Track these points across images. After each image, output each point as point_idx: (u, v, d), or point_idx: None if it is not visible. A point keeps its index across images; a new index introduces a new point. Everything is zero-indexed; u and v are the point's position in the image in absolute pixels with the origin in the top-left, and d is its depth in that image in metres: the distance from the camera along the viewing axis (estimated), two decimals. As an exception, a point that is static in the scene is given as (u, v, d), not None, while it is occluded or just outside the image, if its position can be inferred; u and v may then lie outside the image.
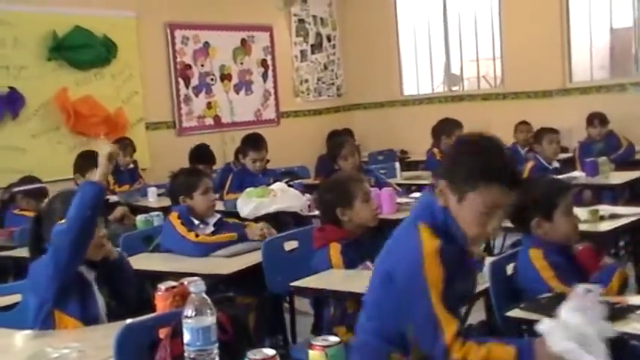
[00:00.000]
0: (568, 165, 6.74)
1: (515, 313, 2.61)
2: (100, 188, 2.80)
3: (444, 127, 7.32)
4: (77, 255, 2.78)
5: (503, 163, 2.26)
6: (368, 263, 3.39)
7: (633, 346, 2.70)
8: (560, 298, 2.62)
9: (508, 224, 3.32)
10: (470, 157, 2.25)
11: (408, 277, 2.20)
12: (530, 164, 6.22)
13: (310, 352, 1.83)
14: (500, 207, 2.22)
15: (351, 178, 3.73)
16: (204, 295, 1.90)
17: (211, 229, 4.18)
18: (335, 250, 3.43)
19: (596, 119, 7.48)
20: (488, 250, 4.25)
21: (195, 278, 2.10)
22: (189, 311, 1.87)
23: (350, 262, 3.39)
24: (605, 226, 4.07)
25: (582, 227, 3.89)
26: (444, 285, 2.16)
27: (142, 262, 3.88)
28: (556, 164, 6.31)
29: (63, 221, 2.76)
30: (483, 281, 2.94)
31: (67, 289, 2.80)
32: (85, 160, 5.67)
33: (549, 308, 2.53)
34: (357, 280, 3.22)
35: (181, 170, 4.52)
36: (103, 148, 2.92)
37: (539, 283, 2.88)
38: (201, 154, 7.41)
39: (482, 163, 2.22)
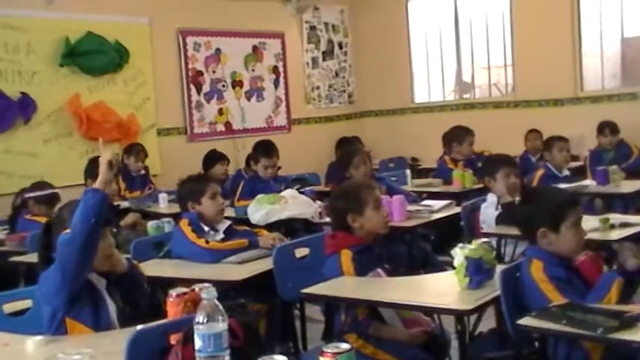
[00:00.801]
0: (579, 174, 6.71)
1: (526, 321, 2.59)
2: (101, 196, 2.75)
3: (456, 135, 7.32)
4: (84, 264, 2.76)
5: None
6: (379, 270, 3.40)
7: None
8: (571, 306, 2.63)
9: (519, 232, 3.33)
10: None
11: None
12: (539, 172, 6.20)
13: (321, 359, 1.83)
14: None
15: (363, 185, 3.73)
16: (216, 302, 1.91)
17: (221, 235, 4.18)
18: (346, 257, 3.43)
19: (607, 128, 7.45)
20: (499, 258, 4.23)
21: (207, 285, 2.11)
22: (200, 317, 1.88)
23: (361, 269, 3.39)
24: (616, 234, 4.05)
25: (593, 236, 3.90)
26: None
27: (152, 268, 3.89)
28: (566, 172, 6.28)
29: (67, 231, 2.74)
30: (495, 289, 2.94)
31: (78, 297, 2.79)
32: (95, 166, 5.67)
33: (561, 317, 2.54)
34: (368, 288, 3.23)
35: (188, 177, 4.53)
36: (104, 154, 2.88)
37: (538, 295, 2.88)
38: (213, 156, 7.54)
39: None
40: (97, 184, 2.81)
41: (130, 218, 5.82)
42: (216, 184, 4.36)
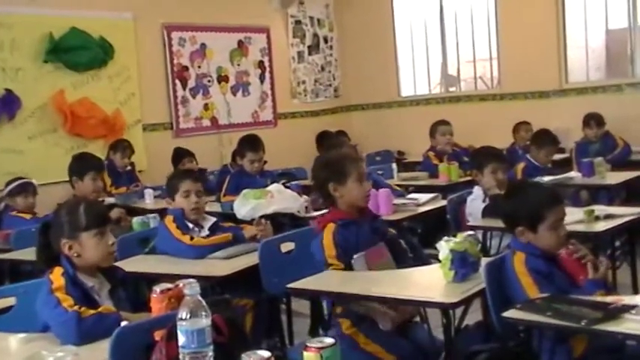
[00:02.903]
0: (563, 165, 6.73)
1: (511, 313, 2.60)
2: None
3: (431, 129, 7.45)
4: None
5: None
6: (382, 245, 3.42)
7: (631, 346, 2.72)
8: (556, 298, 2.64)
9: (504, 225, 3.34)
10: None
11: None
12: (521, 165, 6.21)
13: (305, 353, 1.83)
14: None
15: (347, 157, 3.72)
16: (199, 297, 1.90)
17: (206, 232, 4.17)
18: (328, 231, 3.43)
19: (593, 120, 7.47)
20: (485, 251, 4.24)
21: (190, 280, 2.10)
22: (183, 314, 1.87)
23: (345, 243, 3.39)
24: (601, 226, 4.08)
25: (578, 228, 3.95)
26: None
27: (138, 264, 3.89)
28: (548, 165, 6.31)
29: (69, 308, 2.66)
30: (480, 282, 2.95)
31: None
32: (80, 163, 5.67)
33: (546, 308, 2.55)
34: (353, 282, 3.23)
35: (173, 172, 4.52)
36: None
37: (518, 288, 2.89)
38: (180, 153, 7.61)
39: None
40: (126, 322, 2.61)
41: (115, 214, 5.78)
42: (191, 182, 4.27)
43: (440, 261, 3.06)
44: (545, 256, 2.97)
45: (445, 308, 2.88)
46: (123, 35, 8.01)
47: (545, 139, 6.42)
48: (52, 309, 2.67)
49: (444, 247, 3.01)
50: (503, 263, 3.02)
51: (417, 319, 3.46)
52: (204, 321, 1.86)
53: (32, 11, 7.27)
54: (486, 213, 4.55)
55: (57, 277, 2.78)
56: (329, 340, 1.85)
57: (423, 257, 3.79)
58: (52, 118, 7.47)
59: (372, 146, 9.50)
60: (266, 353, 1.79)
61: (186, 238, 4.02)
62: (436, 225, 5.32)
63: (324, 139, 8.69)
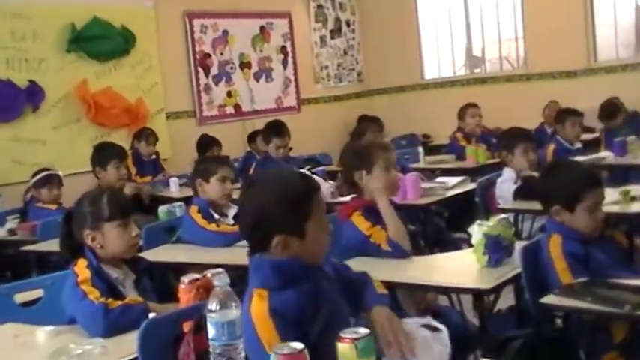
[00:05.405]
0: (591, 146, 6.58)
1: (549, 299, 2.52)
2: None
3: (459, 112, 7.33)
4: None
5: None
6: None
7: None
8: (595, 283, 2.55)
9: (537, 207, 3.25)
10: None
11: None
12: (551, 147, 6.07)
13: (339, 344, 1.77)
14: None
15: (376, 145, 3.64)
16: (229, 288, 1.84)
17: (231, 221, 4.11)
18: (358, 217, 3.37)
19: (608, 112, 7.06)
20: (517, 234, 4.15)
21: (219, 270, 2.04)
22: (213, 305, 1.81)
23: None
24: (638, 207, 3.96)
25: (613, 209, 3.81)
26: None
27: (164, 253, 3.85)
28: (578, 145, 6.16)
29: (96, 300, 2.64)
30: (514, 266, 2.87)
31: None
32: (102, 153, 5.65)
33: (585, 293, 2.47)
34: (383, 268, 3.16)
35: (206, 156, 4.47)
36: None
37: (552, 272, 2.81)
38: (207, 141, 7.53)
39: None
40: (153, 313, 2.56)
41: (128, 189, 5.74)
42: (228, 169, 4.29)
43: (470, 245, 2.99)
44: (581, 239, 2.87)
45: (479, 294, 2.81)
46: (144, 24, 7.98)
47: (566, 111, 6.33)
48: (79, 302, 2.63)
49: (477, 231, 2.94)
50: (538, 247, 2.93)
51: (447, 303, 3.39)
52: (235, 312, 1.80)
53: (53, 2, 7.27)
54: (518, 195, 4.45)
55: (82, 269, 2.74)
56: (363, 331, 1.78)
57: (451, 241, 3.71)
58: (76, 108, 7.47)
59: (397, 130, 9.40)
60: (299, 345, 1.73)
61: (212, 226, 3.98)
62: (463, 208, 5.24)
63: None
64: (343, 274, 2.32)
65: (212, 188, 4.17)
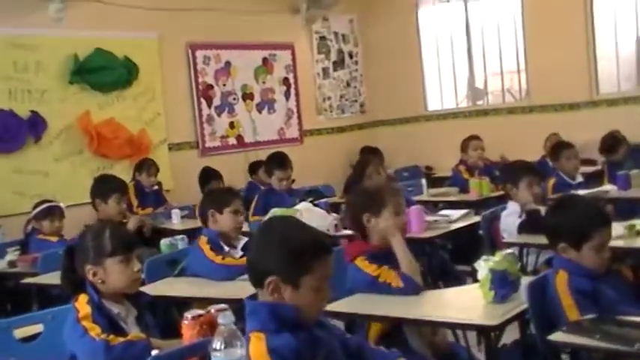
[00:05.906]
0: (593, 179, 6.52)
1: (557, 336, 2.49)
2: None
3: (461, 144, 7.35)
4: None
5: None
6: None
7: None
8: (604, 320, 2.52)
9: (542, 241, 3.22)
10: None
11: None
12: (552, 181, 6.02)
13: None
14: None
15: (386, 188, 3.63)
16: (233, 327, 1.81)
17: (240, 253, 4.09)
18: (362, 262, 3.31)
19: (610, 144, 7.04)
20: (522, 268, 4.12)
21: (223, 306, 2.02)
22: (217, 344, 1.78)
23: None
24: (643, 241, 3.93)
25: (618, 243, 3.77)
26: None
27: (167, 287, 3.82)
28: (580, 179, 6.09)
29: (97, 336, 2.61)
30: (520, 302, 2.84)
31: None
32: (103, 185, 5.62)
33: (594, 331, 2.43)
34: (389, 304, 3.12)
35: (219, 188, 4.47)
36: None
37: (559, 309, 2.79)
38: (209, 174, 7.49)
39: None
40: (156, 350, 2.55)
41: (132, 222, 5.69)
42: (240, 201, 4.30)
43: (475, 278, 2.95)
44: (589, 275, 2.84)
45: (486, 330, 2.77)
46: (147, 55, 8.00)
47: (559, 145, 6.32)
48: (79, 338, 2.60)
49: (483, 266, 2.91)
50: (545, 282, 2.90)
51: (452, 338, 3.35)
52: (239, 351, 1.78)
53: (57, 33, 7.28)
54: (523, 229, 4.42)
55: (82, 305, 2.70)
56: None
57: (455, 274, 3.67)
58: (78, 140, 7.46)
59: (400, 162, 9.41)
60: None
61: (218, 258, 3.95)
62: (467, 241, 5.21)
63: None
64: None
65: (224, 220, 4.15)
